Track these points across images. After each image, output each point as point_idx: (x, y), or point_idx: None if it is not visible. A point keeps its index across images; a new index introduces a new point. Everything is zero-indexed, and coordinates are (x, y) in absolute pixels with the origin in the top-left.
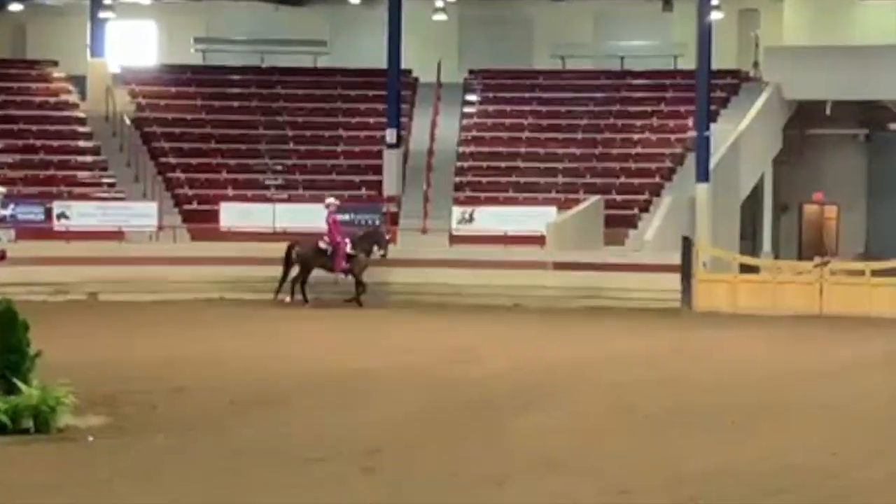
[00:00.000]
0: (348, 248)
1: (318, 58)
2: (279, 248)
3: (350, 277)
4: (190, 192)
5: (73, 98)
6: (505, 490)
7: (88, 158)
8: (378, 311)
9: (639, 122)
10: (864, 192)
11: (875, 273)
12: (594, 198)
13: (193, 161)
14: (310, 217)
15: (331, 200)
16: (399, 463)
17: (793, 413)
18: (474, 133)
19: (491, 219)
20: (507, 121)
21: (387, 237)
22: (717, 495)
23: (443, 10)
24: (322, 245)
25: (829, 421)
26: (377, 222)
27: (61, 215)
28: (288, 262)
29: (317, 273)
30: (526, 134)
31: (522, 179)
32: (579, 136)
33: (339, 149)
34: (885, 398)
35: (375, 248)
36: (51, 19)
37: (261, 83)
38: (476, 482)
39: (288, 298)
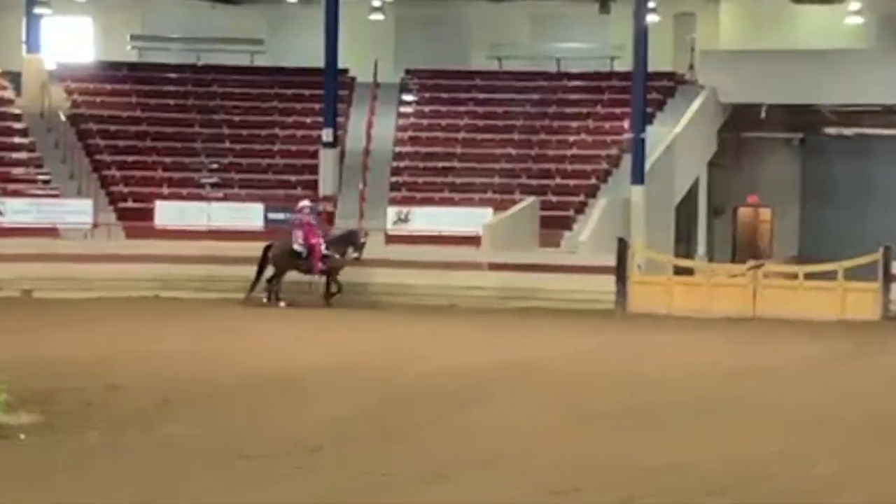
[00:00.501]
0: (323, 250)
1: (255, 56)
2: (214, 247)
3: (324, 278)
4: (125, 190)
5: (7, 94)
6: (442, 488)
7: (23, 155)
8: (313, 311)
9: (575, 124)
10: (798, 195)
11: (808, 276)
12: (530, 199)
13: (129, 159)
14: (245, 216)
15: (305, 203)
16: (336, 461)
17: (733, 412)
18: (410, 133)
19: (426, 219)
20: (444, 121)
21: (362, 239)
22: (659, 494)
23: (379, 9)
24: (297, 247)
25: (771, 420)
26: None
27: None
28: (264, 263)
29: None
30: (462, 134)
31: (458, 180)
32: (515, 136)
33: (275, 148)
34: (821, 398)
35: (351, 249)
36: None
37: (197, 81)
38: (414, 480)
39: (265, 299)
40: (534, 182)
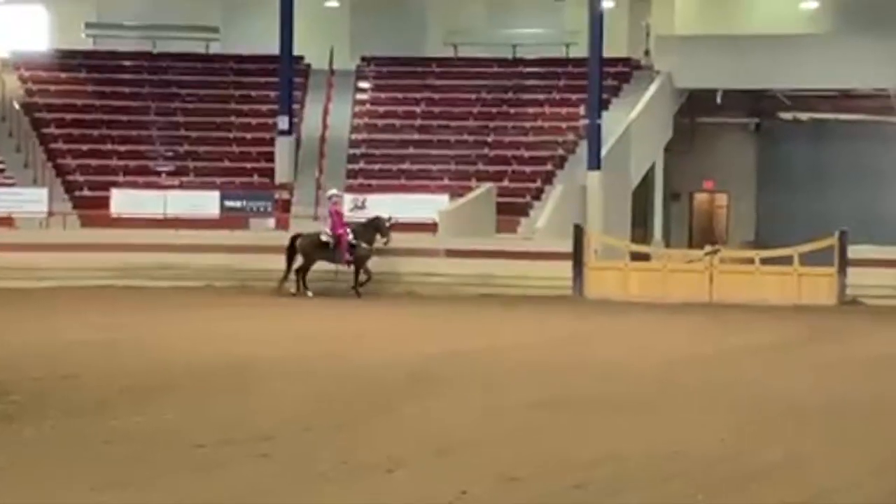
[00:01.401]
0: (350, 239)
1: (210, 44)
2: (171, 235)
3: (352, 268)
4: (80, 179)
5: None
6: (396, 476)
7: None
8: (269, 300)
9: (531, 110)
10: (754, 180)
11: (764, 261)
12: (486, 185)
13: (84, 147)
14: (201, 204)
15: (333, 192)
16: (291, 449)
17: (682, 400)
18: (366, 120)
19: (383, 206)
20: (400, 108)
21: (388, 224)
22: (607, 481)
23: None
24: (324, 238)
25: (718, 407)
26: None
27: None
28: (292, 253)
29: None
30: (418, 121)
31: (415, 167)
32: (471, 123)
33: (231, 135)
34: (772, 385)
35: (378, 236)
36: None
37: (152, 69)
38: (367, 469)
39: (294, 289)
40: (490, 168)
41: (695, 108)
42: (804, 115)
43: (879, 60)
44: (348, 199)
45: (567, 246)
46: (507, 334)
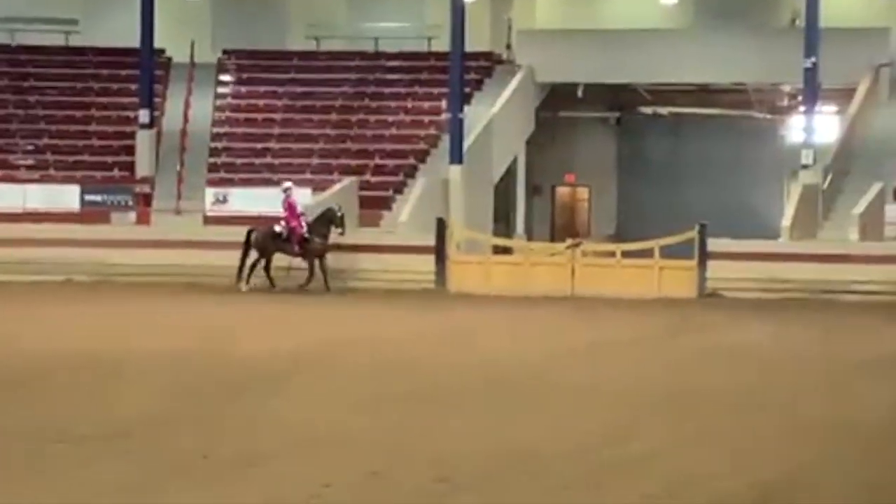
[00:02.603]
0: (304, 233)
1: (70, 36)
2: (29, 229)
3: (305, 262)
4: None
5: None
6: (258, 471)
7: None
8: (131, 294)
9: (393, 104)
10: (615, 174)
11: (625, 254)
12: (349, 179)
13: None
14: (61, 198)
15: (288, 185)
16: (152, 444)
17: (545, 393)
18: (228, 114)
19: (245, 200)
20: (262, 101)
21: (339, 213)
22: (469, 476)
23: None
24: (278, 229)
25: (581, 400)
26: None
27: None
28: (247, 248)
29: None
30: (280, 115)
31: (277, 160)
32: (333, 117)
33: (91, 129)
34: (633, 378)
35: (332, 227)
36: None
37: (11, 62)
38: (229, 463)
39: (244, 286)
40: (353, 162)
41: (556, 102)
42: (664, 110)
43: (737, 56)
44: (210, 192)
45: (430, 240)
46: (368, 328)
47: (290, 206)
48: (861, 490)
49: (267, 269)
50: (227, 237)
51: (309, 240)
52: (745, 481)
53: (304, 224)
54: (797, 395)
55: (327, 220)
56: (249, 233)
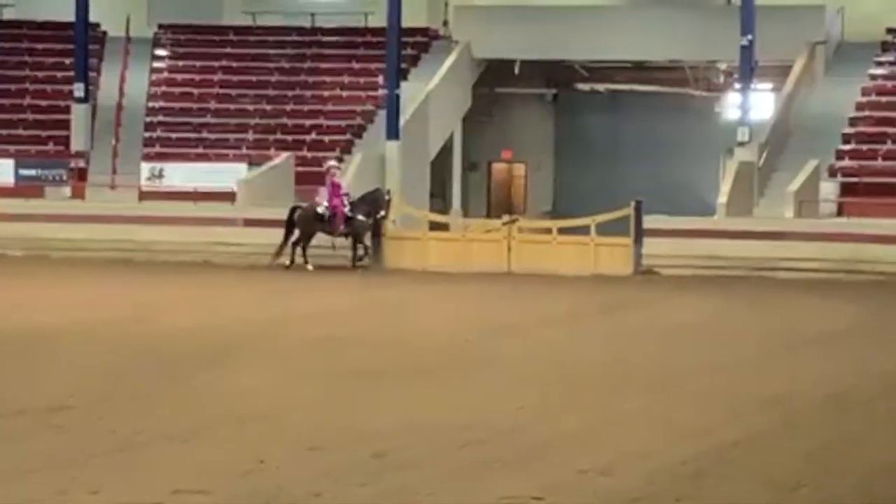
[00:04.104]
0: (347, 211)
1: (4, 10)
2: None
3: (349, 240)
4: None
5: None
6: (192, 446)
7: None
8: (66, 268)
9: (329, 80)
10: (552, 150)
11: (561, 231)
12: (285, 154)
13: None
14: None
15: (332, 163)
16: (86, 420)
17: (479, 368)
18: (164, 88)
19: (181, 175)
20: (198, 76)
21: (386, 198)
22: (405, 451)
23: None
24: (320, 210)
25: (515, 376)
26: None
27: None
28: (290, 225)
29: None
30: (216, 90)
31: (213, 136)
32: (270, 92)
33: (25, 103)
34: (569, 354)
35: (376, 208)
36: None
37: None
38: (163, 439)
39: (287, 262)
40: (289, 138)
41: (493, 78)
42: (601, 87)
43: (674, 33)
44: (145, 167)
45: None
46: (303, 304)
47: (333, 185)
48: (793, 462)
49: (304, 248)
50: (162, 212)
51: (352, 218)
52: (679, 457)
53: (346, 203)
54: (731, 371)
55: (372, 200)
56: (293, 211)
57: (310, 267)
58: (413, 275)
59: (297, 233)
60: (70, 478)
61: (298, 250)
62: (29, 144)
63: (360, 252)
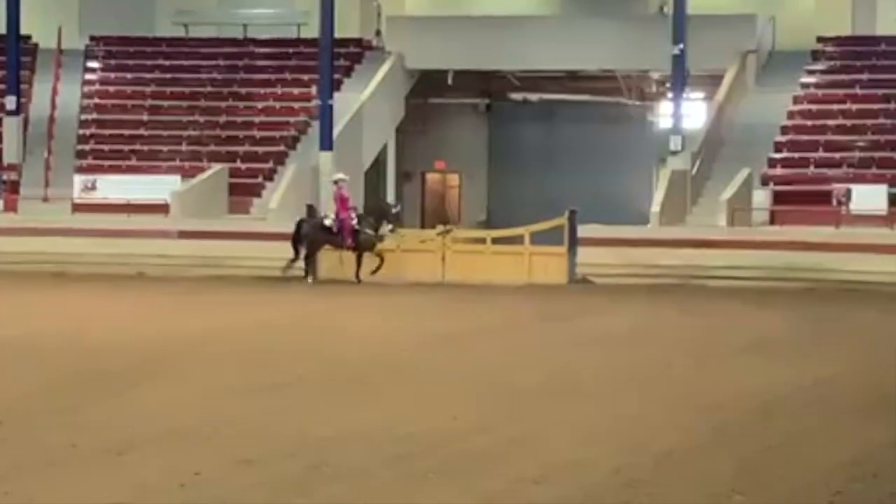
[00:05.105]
0: (354, 224)
1: None
2: None
3: (354, 253)
4: None
5: None
6: (126, 460)
7: None
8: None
9: (262, 91)
10: (486, 160)
11: (496, 241)
12: (218, 166)
13: None
14: None
15: (340, 176)
16: (20, 435)
17: (413, 379)
18: (96, 100)
19: (114, 187)
20: (130, 88)
21: (395, 210)
22: (341, 462)
23: None
24: (328, 222)
25: (450, 387)
26: None
27: None
28: (298, 238)
29: None
30: (149, 101)
31: (146, 147)
32: (203, 104)
33: None
34: (503, 365)
35: (385, 222)
36: None
37: None
38: (97, 453)
39: (310, 279)
40: (222, 149)
41: (427, 88)
42: (534, 96)
43: (606, 42)
44: (78, 180)
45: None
46: (237, 316)
47: (341, 199)
48: (728, 470)
49: (308, 260)
50: (95, 224)
51: (359, 231)
52: (613, 466)
53: (353, 216)
54: (665, 380)
55: (380, 213)
56: (300, 224)
57: (310, 280)
58: (346, 285)
59: (305, 246)
60: (2, 493)
61: (301, 260)
62: None
63: (374, 265)
